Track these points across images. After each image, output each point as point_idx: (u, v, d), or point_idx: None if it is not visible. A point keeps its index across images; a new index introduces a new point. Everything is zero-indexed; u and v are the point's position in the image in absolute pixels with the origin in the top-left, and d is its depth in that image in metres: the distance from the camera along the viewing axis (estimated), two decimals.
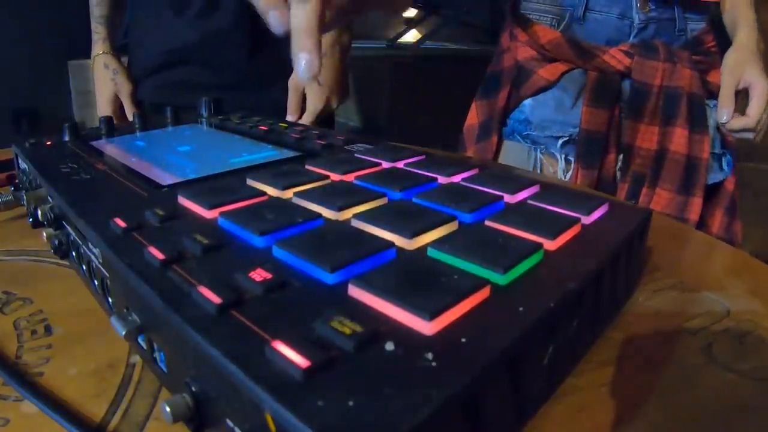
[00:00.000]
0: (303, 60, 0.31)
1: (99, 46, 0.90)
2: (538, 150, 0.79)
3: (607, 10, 0.75)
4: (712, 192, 0.77)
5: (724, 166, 0.77)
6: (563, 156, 0.77)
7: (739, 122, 0.69)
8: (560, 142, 0.78)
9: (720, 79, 0.72)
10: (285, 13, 0.32)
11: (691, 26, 0.76)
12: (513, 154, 0.82)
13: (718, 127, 0.76)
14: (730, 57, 0.72)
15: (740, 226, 0.78)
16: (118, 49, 0.93)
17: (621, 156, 0.75)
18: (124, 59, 0.94)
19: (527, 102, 0.80)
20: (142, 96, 0.92)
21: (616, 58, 0.73)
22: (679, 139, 0.72)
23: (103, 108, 0.89)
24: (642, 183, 0.74)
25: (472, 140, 0.85)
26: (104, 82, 0.90)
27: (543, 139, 0.79)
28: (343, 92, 0.86)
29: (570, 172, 0.77)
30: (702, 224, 0.75)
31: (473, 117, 0.87)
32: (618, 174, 0.76)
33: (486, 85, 0.86)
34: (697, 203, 0.73)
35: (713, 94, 0.74)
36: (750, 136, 0.70)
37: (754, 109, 0.68)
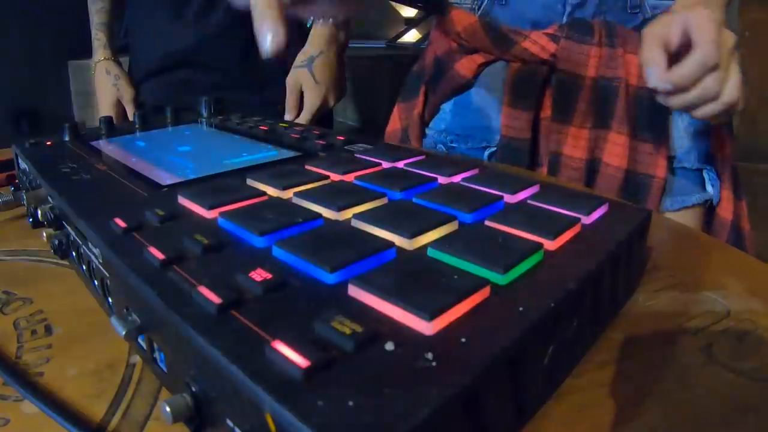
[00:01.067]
0: (267, 35, 0.28)
1: (100, 52, 0.91)
2: None
3: None
4: (706, 218, 0.60)
5: (708, 187, 0.58)
6: None
7: (677, 73, 0.45)
8: (486, 153, 0.64)
9: None
10: None
11: (651, 2, 0.57)
12: None
13: (695, 134, 0.58)
14: (659, 15, 0.51)
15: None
16: (117, 49, 0.94)
17: (548, 166, 0.60)
18: (124, 59, 0.94)
19: (446, 107, 0.67)
20: (143, 98, 0.92)
21: (538, 43, 0.57)
22: (613, 147, 0.55)
23: (106, 113, 0.89)
24: None
25: None
26: (106, 88, 0.90)
27: (467, 150, 0.65)
28: (341, 90, 0.87)
29: None
30: None
31: (395, 121, 0.73)
32: None
33: (406, 86, 0.73)
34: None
35: None
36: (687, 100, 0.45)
37: (702, 43, 0.43)
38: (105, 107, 0.91)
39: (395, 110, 0.74)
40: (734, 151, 0.60)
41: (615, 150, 0.56)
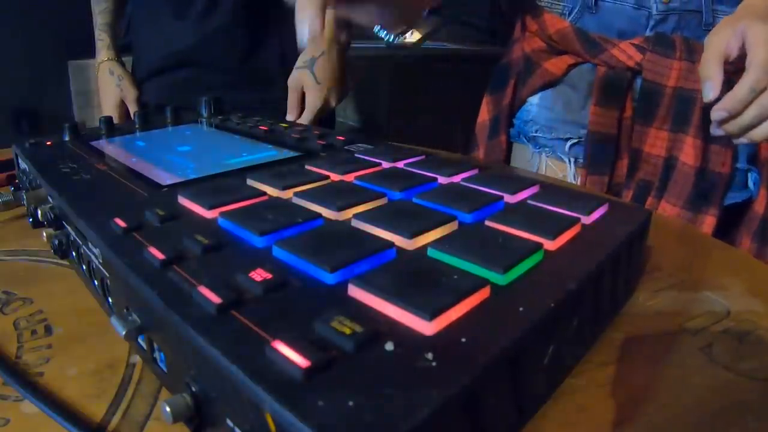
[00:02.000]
0: (305, 26, 0.30)
1: (104, 53, 0.91)
2: (544, 153, 0.73)
3: (621, 0, 0.65)
4: (737, 213, 0.67)
5: (750, 185, 0.67)
6: (572, 159, 0.71)
7: (730, 98, 0.50)
8: (569, 144, 0.71)
9: None
10: None
11: (720, 19, 0.62)
12: (520, 156, 0.76)
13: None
14: (723, 19, 0.55)
15: None
16: (120, 48, 0.94)
17: (629, 160, 0.68)
18: (127, 59, 0.94)
19: (533, 100, 0.73)
20: (146, 98, 0.92)
21: (626, 52, 0.64)
22: (689, 148, 0.63)
23: (109, 114, 0.90)
24: (647, 192, 0.67)
25: (484, 138, 0.79)
26: (109, 89, 0.90)
27: (549, 141, 0.72)
28: (342, 91, 0.87)
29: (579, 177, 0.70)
30: None
31: (484, 113, 0.80)
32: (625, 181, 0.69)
33: (495, 79, 0.79)
34: (708, 222, 0.63)
35: None
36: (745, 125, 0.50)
37: (753, 66, 0.47)
38: (108, 107, 0.91)
39: (484, 102, 0.80)
40: None
41: (690, 151, 0.63)
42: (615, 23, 0.67)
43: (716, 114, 0.51)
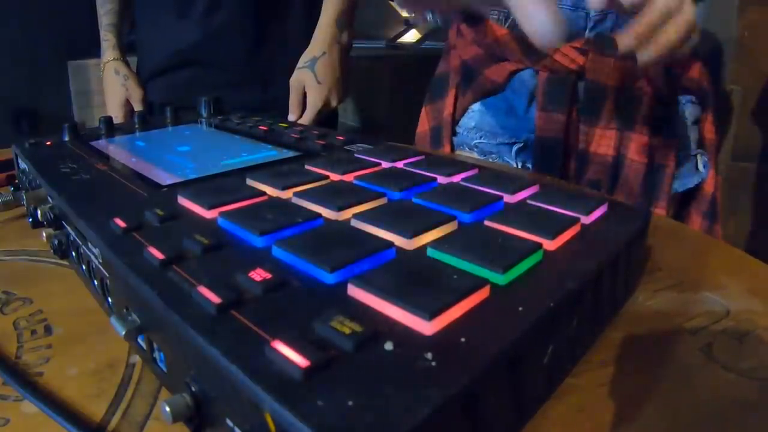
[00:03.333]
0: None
1: (109, 53, 0.91)
2: (490, 159, 0.72)
3: (558, 2, 0.64)
4: (689, 196, 0.70)
5: (701, 167, 0.70)
6: (520, 164, 0.71)
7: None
8: (514, 148, 0.71)
9: (693, 71, 0.63)
10: None
11: None
12: None
13: (694, 123, 0.68)
14: None
15: (719, 230, 0.71)
16: (124, 47, 0.94)
17: (576, 162, 0.68)
18: (131, 59, 0.94)
19: (475, 107, 0.73)
20: (151, 97, 0.92)
21: (568, 56, 0.64)
22: (636, 145, 0.65)
23: (115, 113, 0.90)
24: (597, 191, 0.67)
25: (425, 148, 0.78)
26: (115, 88, 0.91)
27: (495, 146, 0.72)
28: (343, 91, 0.87)
29: None
30: None
31: (424, 123, 0.79)
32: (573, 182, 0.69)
33: (433, 88, 0.79)
34: (658, 214, 0.64)
35: (686, 88, 0.68)
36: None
37: None
38: (113, 107, 0.91)
39: (423, 112, 0.80)
40: (717, 135, 0.71)
41: (638, 148, 0.64)
42: None
43: (626, 41, 0.47)
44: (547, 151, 0.67)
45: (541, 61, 0.66)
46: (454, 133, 0.76)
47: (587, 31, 0.66)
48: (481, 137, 0.73)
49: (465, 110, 0.74)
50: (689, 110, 0.68)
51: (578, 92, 0.67)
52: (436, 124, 0.77)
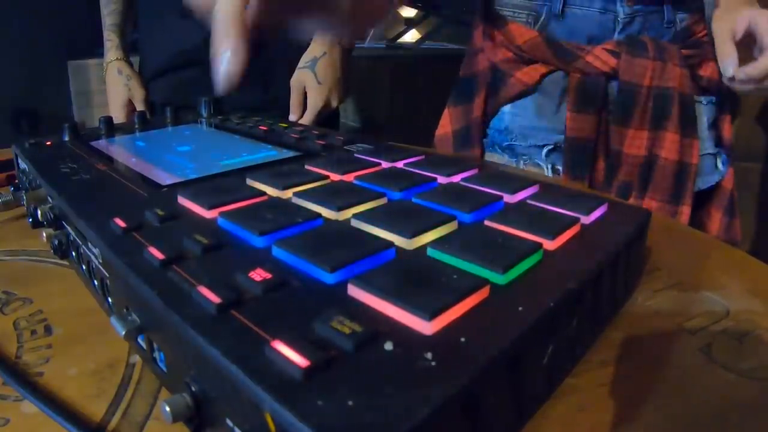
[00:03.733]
0: (225, 55, 0.26)
1: (112, 53, 0.91)
2: (521, 162, 0.73)
3: (588, 5, 0.67)
4: (709, 194, 0.72)
5: (720, 166, 0.72)
6: (550, 166, 0.72)
7: (754, 68, 0.57)
8: (545, 150, 0.72)
9: (712, 72, 0.66)
10: None
11: (680, 16, 0.69)
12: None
13: (712, 125, 0.70)
14: (719, 9, 0.63)
15: (739, 225, 0.72)
16: (128, 47, 0.94)
17: (607, 163, 0.70)
18: (134, 58, 0.94)
19: (506, 109, 0.74)
20: (153, 97, 0.92)
21: (600, 58, 0.66)
22: (670, 144, 0.66)
23: (117, 113, 0.90)
24: (629, 192, 0.69)
25: (448, 151, 0.79)
26: (118, 88, 0.91)
27: (526, 149, 0.73)
28: (344, 91, 0.87)
29: None
30: (700, 227, 0.70)
31: (446, 125, 0.80)
32: (604, 182, 0.71)
33: (459, 91, 0.79)
34: (685, 212, 0.67)
35: (705, 89, 0.69)
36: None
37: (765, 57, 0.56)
38: (116, 107, 0.91)
39: (445, 114, 0.80)
40: (733, 134, 0.74)
41: (672, 146, 0.66)
42: (583, 29, 0.68)
43: (740, 75, 0.59)
44: (577, 152, 0.69)
45: (573, 64, 0.68)
46: (484, 135, 0.77)
47: (616, 33, 0.68)
48: (512, 139, 0.74)
49: (496, 112, 0.75)
50: (708, 111, 0.71)
51: (608, 94, 0.68)
52: (461, 126, 0.78)
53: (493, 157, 0.76)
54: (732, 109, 0.73)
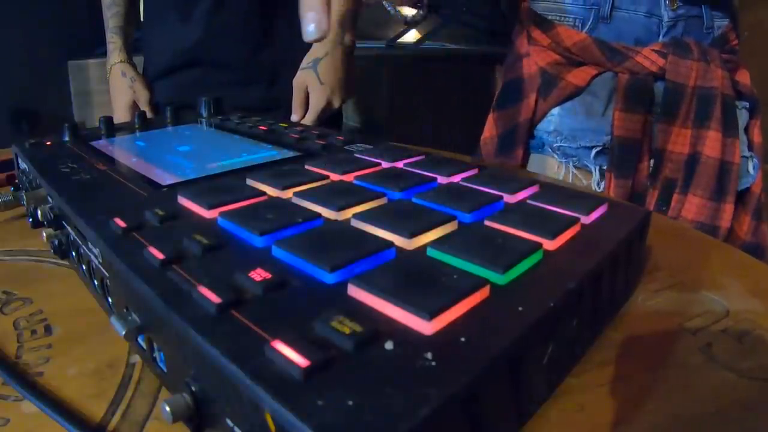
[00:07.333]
0: (311, 19, 0.32)
1: (115, 55, 0.91)
2: (571, 163, 0.74)
3: (634, 9, 0.71)
4: (739, 197, 0.72)
5: (751, 170, 0.74)
6: (598, 167, 0.72)
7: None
8: (594, 152, 0.73)
9: (746, 78, 0.69)
10: None
11: (717, 23, 0.72)
12: (542, 168, 0.76)
13: (745, 129, 0.72)
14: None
15: (766, 228, 0.73)
16: (131, 49, 0.94)
17: (652, 161, 0.71)
18: (137, 58, 0.94)
19: (555, 111, 0.75)
20: (156, 97, 0.93)
21: (649, 58, 0.69)
22: (713, 142, 0.68)
23: (121, 115, 0.90)
24: (673, 189, 0.70)
25: (491, 153, 0.80)
26: (122, 90, 0.91)
27: (575, 150, 0.74)
28: (346, 92, 0.87)
29: (603, 183, 0.72)
30: (729, 230, 0.70)
31: (491, 129, 0.81)
32: (648, 180, 0.72)
33: (505, 95, 0.80)
34: (728, 210, 0.68)
35: (742, 94, 0.71)
36: None
37: None
38: (120, 108, 0.91)
39: (490, 118, 0.82)
40: (764, 140, 0.76)
41: (714, 144, 0.68)
42: (629, 31, 0.71)
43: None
44: (624, 151, 0.70)
45: (623, 64, 0.70)
46: (531, 137, 0.78)
47: (660, 36, 0.71)
48: (561, 140, 0.75)
49: (545, 114, 0.76)
50: (743, 115, 0.73)
51: (657, 93, 0.71)
52: (506, 129, 0.79)
53: (541, 158, 0.77)
54: (760, 115, 0.75)
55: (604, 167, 0.72)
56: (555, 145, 0.75)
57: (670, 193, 0.70)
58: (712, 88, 0.69)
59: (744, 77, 0.71)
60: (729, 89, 0.69)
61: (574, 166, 0.74)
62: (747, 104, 0.72)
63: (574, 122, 0.74)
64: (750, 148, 0.74)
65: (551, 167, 0.75)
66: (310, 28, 0.32)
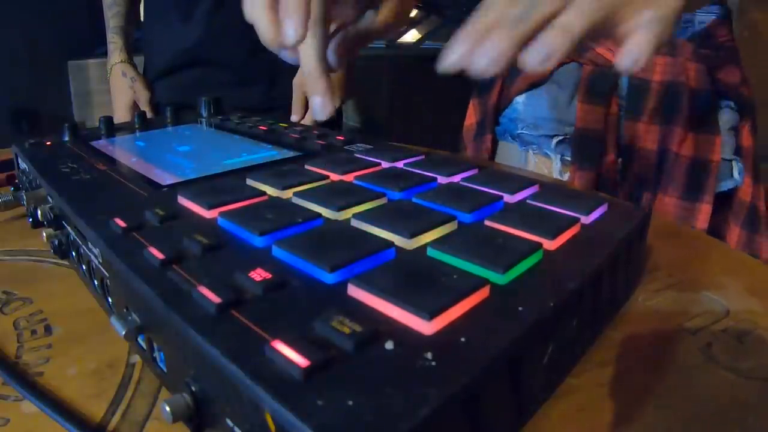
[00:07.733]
0: (316, 102, 0.34)
1: (116, 55, 0.91)
2: (530, 150, 0.74)
3: None
4: (727, 202, 0.70)
5: (735, 174, 0.70)
6: (559, 156, 0.73)
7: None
8: (554, 141, 0.73)
9: (732, 77, 0.65)
10: (295, 50, 0.36)
11: (699, 17, 0.69)
12: (507, 154, 0.78)
13: (731, 129, 0.69)
14: None
15: (764, 241, 0.70)
16: (132, 49, 0.94)
17: (620, 160, 0.71)
18: (137, 58, 0.94)
19: (519, 99, 0.76)
20: (157, 97, 0.93)
21: (611, 50, 0.67)
22: (681, 140, 0.67)
23: (122, 115, 0.90)
24: (644, 187, 0.69)
25: (470, 140, 0.82)
26: (123, 90, 0.91)
27: (536, 138, 0.75)
28: (346, 92, 0.87)
29: (567, 174, 0.72)
30: (720, 237, 0.68)
31: (471, 116, 0.83)
32: (618, 176, 0.71)
33: (482, 82, 0.82)
34: (705, 210, 0.67)
35: (725, 93, 0.69)
36: None
37: None
38: (121, 108, 0.91)
39: (471, 106, 0.83)
40: (755, 144, 0.72)
41: (682, 142, 0.67)
42: None
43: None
44: (586, 143, 0.70)
45: (585, 55, 0.69)
46: (497, 123, 0.79)
47: None
48: (523, 128, 0.75)
49: (510, 101, 0.77)
50: (727, 116, 0.70)
51: (620, 87, 0.70)
52: (482, 117, 0.81)
53: (504, 145, 0.78)
54: (752, 117, 0.72)
55: (567, 156, 0.72)
56: (516, 132, 0.76)
57: (641, 190, 0.69)
58: (679, 83, 0.67)
59: (730, 76, 0.68)
60: (704, 84, 0.67)
61: (534, 154, 0.74)
62: (731, 104, 0.70)
63: (538, 111, 0.74)
64: (737, 151, 0.71)
65: (514, 154, 0.76)
66: (317, 111, 0.34)
